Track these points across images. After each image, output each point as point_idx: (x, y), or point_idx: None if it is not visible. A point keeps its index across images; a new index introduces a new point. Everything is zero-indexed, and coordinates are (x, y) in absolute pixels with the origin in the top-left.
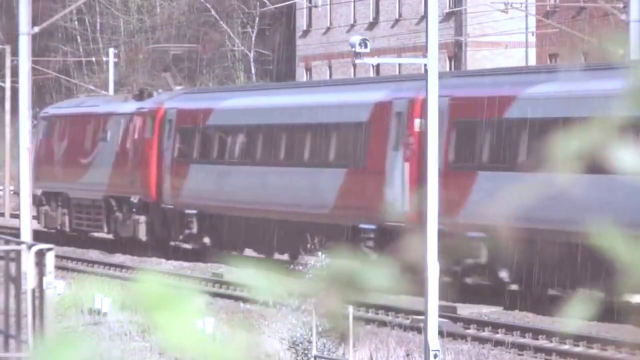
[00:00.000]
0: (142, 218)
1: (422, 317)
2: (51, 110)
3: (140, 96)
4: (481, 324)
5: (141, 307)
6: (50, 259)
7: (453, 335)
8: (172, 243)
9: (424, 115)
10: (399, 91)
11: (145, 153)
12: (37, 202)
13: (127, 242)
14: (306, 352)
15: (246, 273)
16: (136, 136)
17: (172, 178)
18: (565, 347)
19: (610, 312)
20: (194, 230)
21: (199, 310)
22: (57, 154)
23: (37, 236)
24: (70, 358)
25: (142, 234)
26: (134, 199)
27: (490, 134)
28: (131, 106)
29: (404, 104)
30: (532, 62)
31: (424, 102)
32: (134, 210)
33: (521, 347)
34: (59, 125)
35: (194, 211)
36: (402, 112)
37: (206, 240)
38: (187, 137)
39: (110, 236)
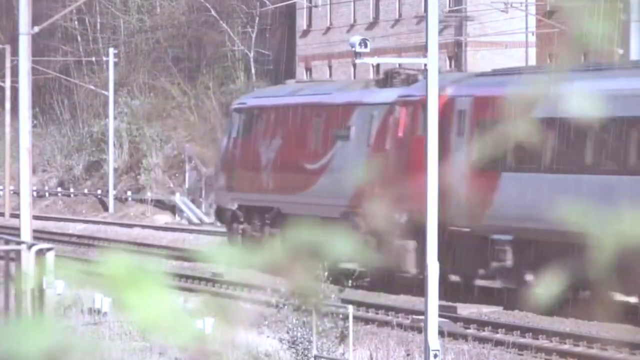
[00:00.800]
0: (411, 244)
1: (422, 317)
2: (250, 100)
3: (389, 81)
4: (481, 324)
5: (110, 287)
6: (50, 259)
7: (453, 335)
8: (476, 282)
9: None
10: None
11: (418, 156)
12: (231, 218)
13: (388, 277)
14: (306, 352)
15: (220, 249)
16: (400, 133)
17: (470, 190)
18: (565, 347)
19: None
20: (508, 262)
21: (164, 285)
22: (263, 157)
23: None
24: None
25: (411, 265)
26: (399, 218)
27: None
28: (388, 94)
29: None
30: (532, 62)
31: None
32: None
33: (521, 347)
34: (265, 119)
35: (508, 237)
36: None
37: (528, 277)
38: (494, 135)
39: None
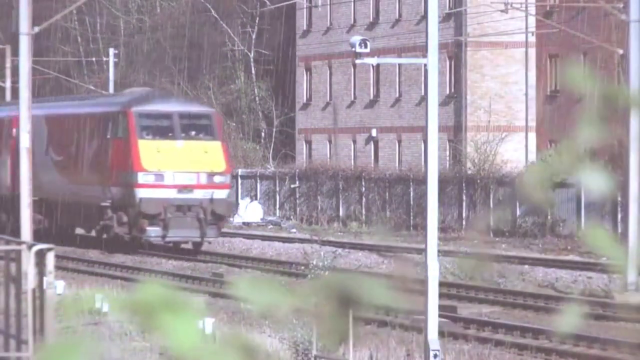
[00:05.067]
0: None
1: (422, 317)
2: None
3: None
4: (481, 324)
5: (142, 311)
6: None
7: (453, 335)
8: None
9: None
10: None
11: None
12: None
13: None
14: (306, 352)
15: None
16: None
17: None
18: (565, 347)
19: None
20: None
21: (200, 312)
22: None
23: None
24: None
25: None
26: None
27: None
28: None
29: None
30: (532, 62)
31: None
32: None
33: (521, 347)
34: None
35: None
36: None
37: None
38: None
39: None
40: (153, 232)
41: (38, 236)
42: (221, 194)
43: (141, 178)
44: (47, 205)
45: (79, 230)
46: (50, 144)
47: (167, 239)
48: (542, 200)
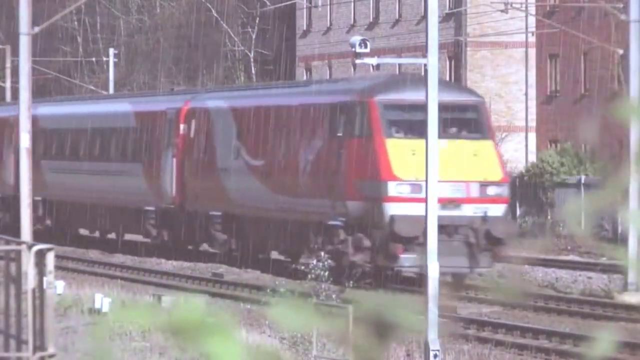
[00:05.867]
0: None
1: (422, 317)
2: None
3: None
4: (481, 324)
5: (183, 332)
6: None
7: (453, 335)
8: None
9: None
10: None
11: None
12: None
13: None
14: (306, 352)
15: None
16: None
17: None
18: (565, 347)
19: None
20: None
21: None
22: None
23: None
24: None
25: None
26: None
27: None
28: None
29: None
30: (532, 62)
31: None
32: None
33: (521, 347)
34: None
35: None
36: None
37: None
38: None
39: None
40: (407, 260)
41: (229, 259)
42: (497, 210)
43: (392, 189)
44: (237, 221)
45: (275, 254)
46: (244, 144)
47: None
48: (587, 237)
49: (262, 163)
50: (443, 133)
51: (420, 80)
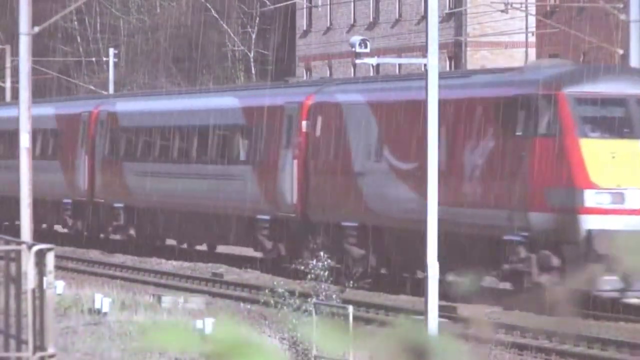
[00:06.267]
0: None
1: (422, 317)
2: None
3: None
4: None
5: (218, 354)
6: (50, 259)
7: (453, 335)
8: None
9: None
10: None
11: None
12: None
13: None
14: (306, 352)
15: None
16: None
17: None
18: (565, 347)
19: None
20: None
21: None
22: None
23: None
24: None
25: None
26: None
27: None
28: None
29: None
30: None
31: None
32: None
33: (521, 347)
34: None
35: None
36: None
37: None
38: None
39: None
40: (610, 283)
41: (370, 279)
42: None
43: (590, 199)
44: (376, 234)
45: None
46: (389, 144)
47: (632, 295)
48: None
49: (413, 166)
50: None
51: (614, 70)
